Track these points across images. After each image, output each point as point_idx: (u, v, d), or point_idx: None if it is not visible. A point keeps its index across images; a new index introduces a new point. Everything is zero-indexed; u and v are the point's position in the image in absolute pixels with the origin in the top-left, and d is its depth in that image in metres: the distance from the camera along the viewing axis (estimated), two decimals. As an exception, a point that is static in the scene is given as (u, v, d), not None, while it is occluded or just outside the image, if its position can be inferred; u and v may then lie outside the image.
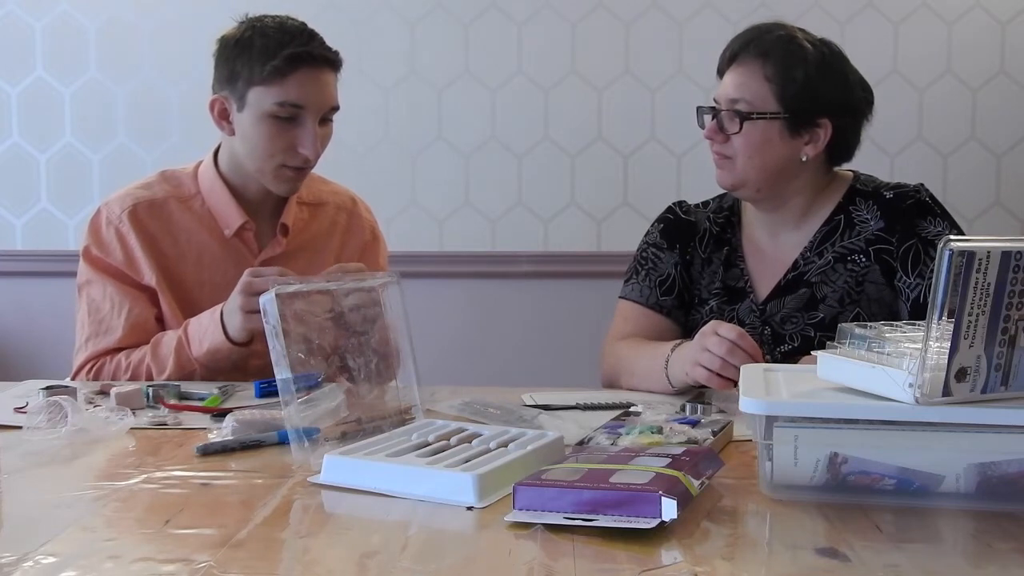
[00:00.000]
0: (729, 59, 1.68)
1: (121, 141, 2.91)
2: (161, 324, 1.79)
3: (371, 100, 2.86)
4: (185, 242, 1.81)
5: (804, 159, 1.66)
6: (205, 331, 1.68)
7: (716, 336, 1.45)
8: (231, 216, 1.81)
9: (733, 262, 1.76)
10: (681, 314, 1.78)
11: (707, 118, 1.69)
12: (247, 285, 1.61)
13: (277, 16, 1.76)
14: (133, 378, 1.71)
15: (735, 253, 1.77)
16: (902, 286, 1.65)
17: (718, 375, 1.44)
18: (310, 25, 1.75)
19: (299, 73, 1.70)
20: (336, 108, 1.78)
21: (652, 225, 1.85)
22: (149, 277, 1.78)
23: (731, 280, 1.75)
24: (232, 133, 1.77)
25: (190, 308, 1.76)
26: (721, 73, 1.71)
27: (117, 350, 1.76)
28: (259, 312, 1.59)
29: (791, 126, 1.64)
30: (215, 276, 1.80)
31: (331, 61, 1.75)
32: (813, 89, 1.62)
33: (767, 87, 1.63)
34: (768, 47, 1.64)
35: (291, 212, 1.86)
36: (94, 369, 1.76)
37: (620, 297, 1.82)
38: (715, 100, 1.69)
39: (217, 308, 1.67)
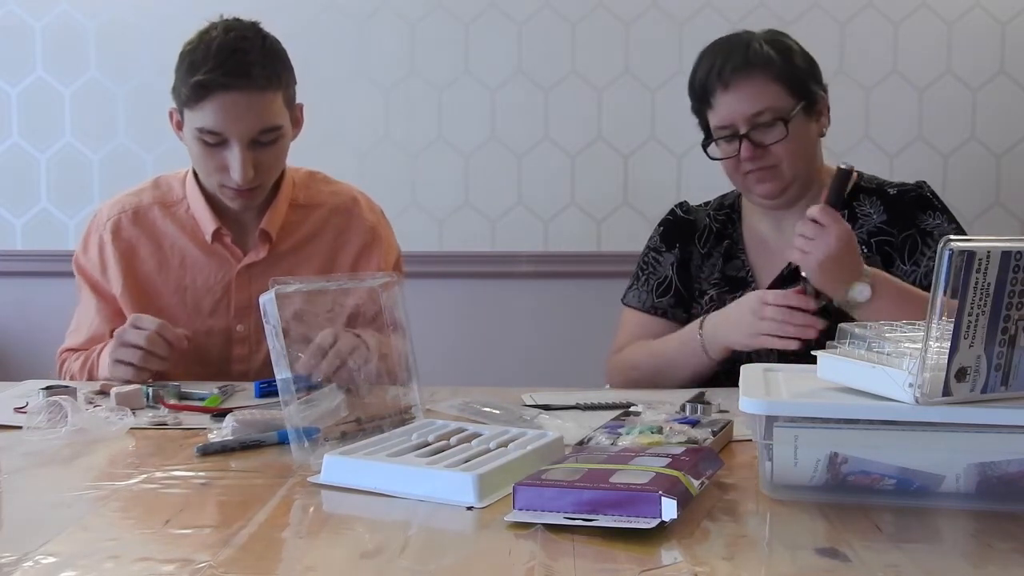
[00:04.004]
0: (724, 84, 1.66)
1: (121, 141, 2.91)
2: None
3: (371, 100, 2.86)
4: (168, 248, 1.82)
5: (824, 133, 1.74)
6: (102, 360, 1.70)
7: (770, 307, 1.53)
8: (206, 221, 1.80)
9: (734, 254, 1.79)
10: (680, 312, 1.80)
11: (727, 145, 1.69)
12: (119, 334, 1.62)
13: (224, 24, 1.67)
14: (70, 379, 1.77)
15: (736, 246, 1.80)
16: (899, 274, 1.67)
17: (785, 337, 1.52)
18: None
19: (213, 100, 1.61)
20: (273, 128, 1.67)
21: (654, 229, 1.87)
22: (117, 286, 1.80)
23: (731, 271, 1.78)
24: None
25: (169, 314, 1.75)
26: (706, 101, 1.69)
27: (76, 350, 1.83)
28: (126, 364, 1.60)
29: (807, 110, 1.69)
30: (197, 280, 1.80)
31: (247, 85, 1.61)
32: (805, 69, 1.69)
33: (778, 87, 1.66)
34: (758, 55, 1.66)
35: (275, 216, 1.81)
36: (60, 361, 1.85)
37: (623, 304, 1.84)
38: (723, 126, 1.68)
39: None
